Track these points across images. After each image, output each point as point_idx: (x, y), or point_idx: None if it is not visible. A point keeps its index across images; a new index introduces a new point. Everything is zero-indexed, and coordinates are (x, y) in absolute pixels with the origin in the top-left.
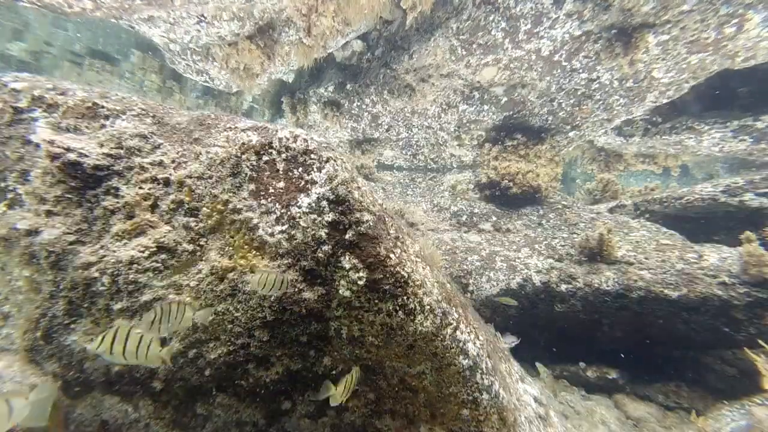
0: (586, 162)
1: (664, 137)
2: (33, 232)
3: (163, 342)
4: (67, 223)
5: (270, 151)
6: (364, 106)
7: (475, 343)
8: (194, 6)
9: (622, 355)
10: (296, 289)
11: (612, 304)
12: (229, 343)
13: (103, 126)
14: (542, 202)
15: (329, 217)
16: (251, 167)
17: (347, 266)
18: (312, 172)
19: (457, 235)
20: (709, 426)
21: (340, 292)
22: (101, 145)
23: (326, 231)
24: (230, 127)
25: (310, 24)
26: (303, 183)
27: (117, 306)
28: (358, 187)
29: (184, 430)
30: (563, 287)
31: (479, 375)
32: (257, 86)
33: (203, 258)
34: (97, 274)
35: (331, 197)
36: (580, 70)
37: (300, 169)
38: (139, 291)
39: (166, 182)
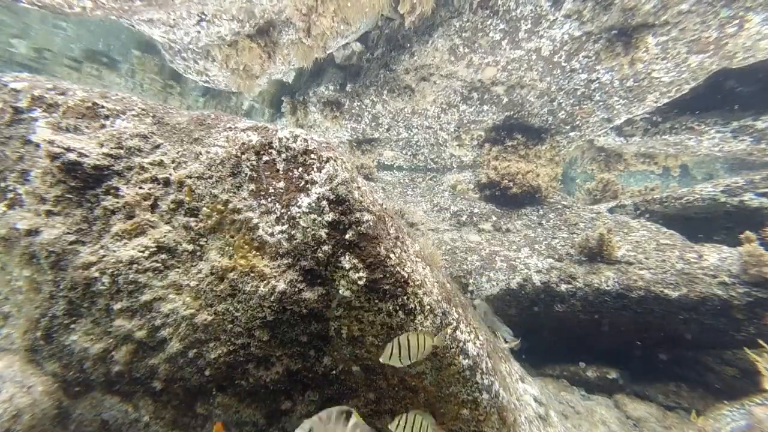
0: (586, 162)
1: (664, 137)
2: (33, 232)
3: None
4: (67, 223)
5: (270, 151)
6: (364, 106)
7: (475, 343)
8: (195, 5)
9: (623, 355)
10: (296, 289)
11: (612, 304)
12: (229, 343)
13: (103, 126)
14: (542, 202)
15: (329, 217)
16: (251, 167)
17: (347, 266)
18: (312, 172)
19: (457, 234)
20: (709, 426)
21: (340, 292)
22: (101, 145)
23: (326, 231)
24: (230, 127)
25: (309, 24)
26: (303, 183)
27: (117, 306)
28: (358, 187)
29: (184, 430)
30: (563, 287)
31: (479, 375)
32: (257, 86)
33: (203, 258)
34: (97, 274)
35: (331, 197)
36: (580, 70)
37: (300, 169)
38: (139, 291)
39: (166, 182)
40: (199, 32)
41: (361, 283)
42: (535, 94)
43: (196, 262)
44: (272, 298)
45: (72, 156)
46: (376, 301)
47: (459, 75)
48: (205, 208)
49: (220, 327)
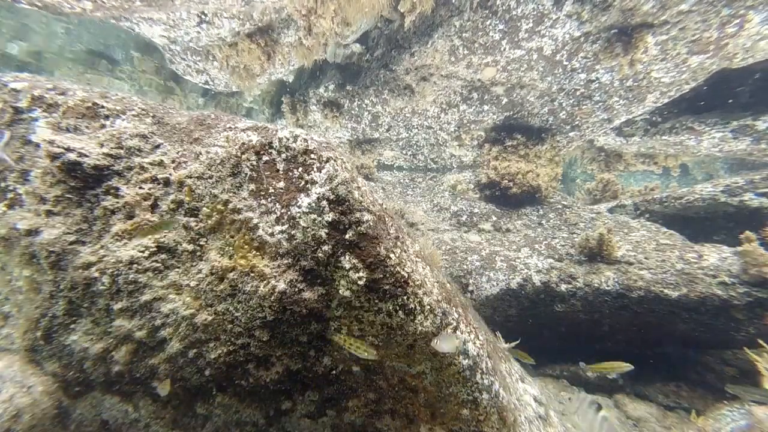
0: (586, 162)
1: (664, 137)
2: (33, 232)
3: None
4: (67, 223)
5: (270, 151)
6: (364, 106)
7: (475, 343)
8: (195, 5)
9: (623, 355)
10: (296, 289)
11: (612, 304)
12: (229, 343)
13: (103, 126)
14: (542, 202)
15: (329, 216)
16: (251, 167)
17: (347, 266)
18: (312, 172)
19: (457, 234)
20: (709, 426)
21: (340, 292)
22: (101, 145)
23: (326, 231)
24: (230, 127)
25: (310, 24)
26: (303, 183)
27: (117, 306)
28: (358, 187)
29: (184, 430)
30: (563, 287)
31: (479, 375)
32: (257, 86)
33: (203, 258)
34: (97, 274)
35: (331, 197)
36: (580, 70)
37: (300, 169)
38: (139, 291)
39: (166, 182)
40: (199, 32)
41: (361, 283)
42: (535, 95)
43: (196, 262)
44: (272, 298)
45: (72, 156)
46: (376, 301)
47: (459, 75)
48: (205, 208)
49: (220, 327)
